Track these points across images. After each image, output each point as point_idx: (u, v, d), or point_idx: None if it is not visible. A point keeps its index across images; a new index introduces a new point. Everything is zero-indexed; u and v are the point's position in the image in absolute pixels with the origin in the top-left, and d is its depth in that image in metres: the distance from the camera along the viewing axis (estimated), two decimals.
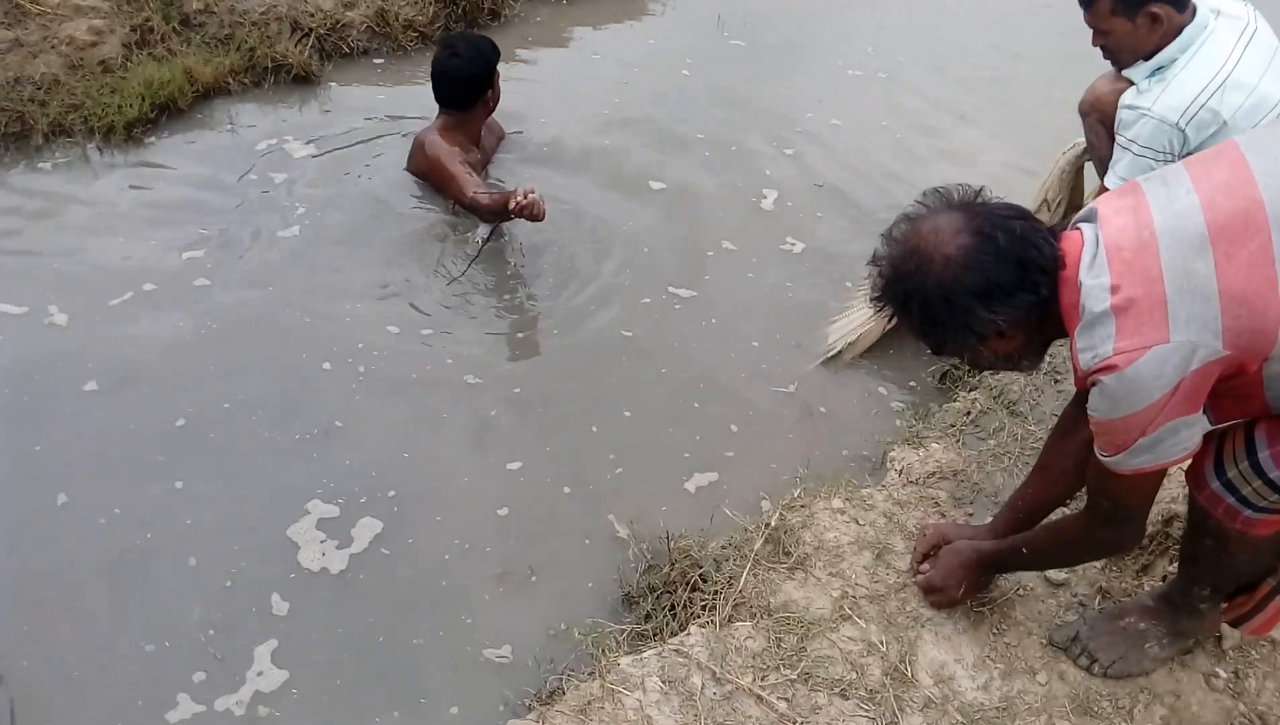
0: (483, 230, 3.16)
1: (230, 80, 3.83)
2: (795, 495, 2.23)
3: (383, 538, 2.22)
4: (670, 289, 3.09)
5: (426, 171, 3.34)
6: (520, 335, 2.87)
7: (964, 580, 1.84)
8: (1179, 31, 2.27)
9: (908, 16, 5.19)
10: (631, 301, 3.03)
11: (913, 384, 2.84)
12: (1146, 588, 1.94)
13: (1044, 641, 1.86)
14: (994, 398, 2.46)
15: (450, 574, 2.17)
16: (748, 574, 1.97)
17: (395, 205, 3.32)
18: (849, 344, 2.91)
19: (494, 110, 3.43)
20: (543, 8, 4.86)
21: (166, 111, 3.64)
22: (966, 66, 4.68)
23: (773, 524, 2.09)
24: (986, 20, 5.16)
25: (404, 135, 3.67)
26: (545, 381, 2.72)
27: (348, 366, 2.68)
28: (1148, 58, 2.31)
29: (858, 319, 2.98)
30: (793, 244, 3.37)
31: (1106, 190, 2.49)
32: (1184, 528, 1.73)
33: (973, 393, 2.52)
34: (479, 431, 2.54)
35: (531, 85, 4.11)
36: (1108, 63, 2.44)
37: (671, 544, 2.16)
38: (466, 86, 3.25)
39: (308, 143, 3.61)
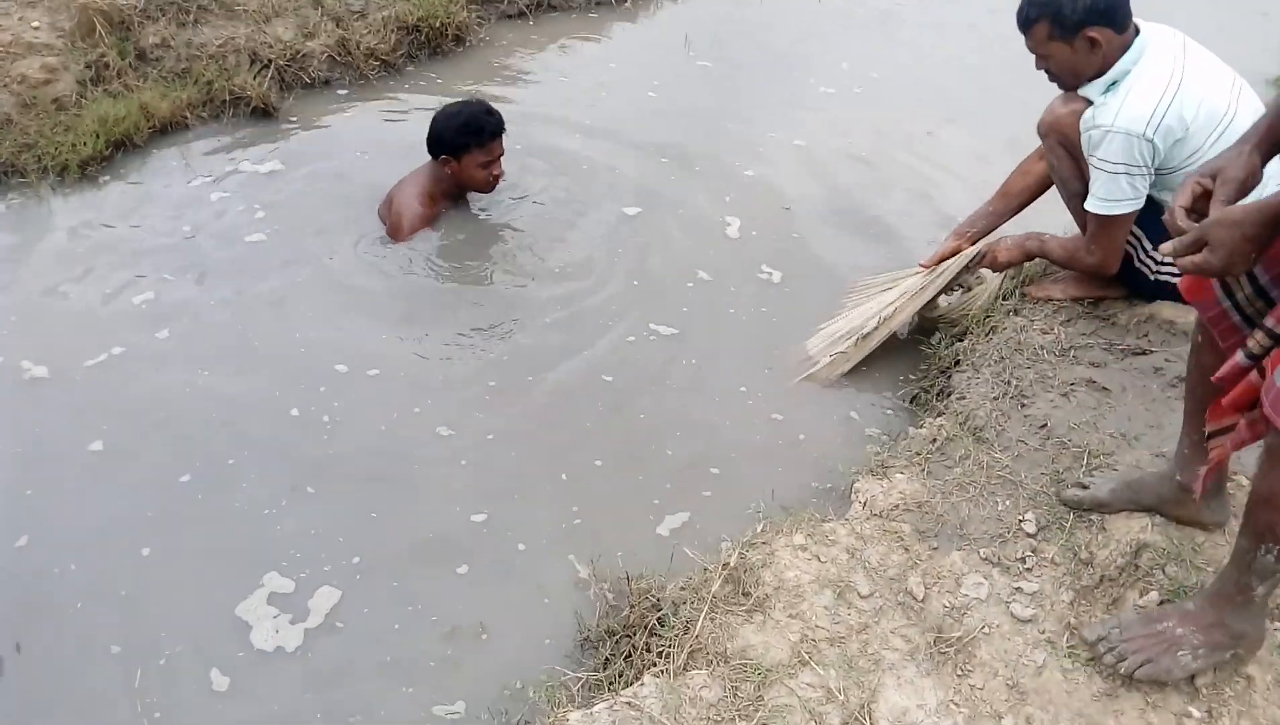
0: None
1: (188, 115, 3.79)
2: (758, 531, 2.17)
3: (339, 608, 2.11)
4: (651, 326, 3.00)
5: (390, 201, 3.30)
6: (492, 383, 2.75)
7: (1251, 253, 1.45)
8: (1124, 49, 2.25)
9: (884, 31, 5.16)
10: (612, 342, 2.93)
11: (888, 411, 2.78)
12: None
13: (1081, 646, 1.81)
14: (960, 424, 2.39)
15: (398, 643, 2.06)
16: (704, 618, 1.90)
17: (353, 241, 3.25)
18: (830, 362, 2.87)
19: (480, 187, 3.34)
20: (508, 32, 4.83)
21: (122, 148, 3.59)
22: (942, 81, 4.63)
23: (731, 564, 2.02)
24: (966, 33, 5.13)
25: (363, 165, 3.63)
26: (519, 430, 2.61)
27: (313, 415, 2.59)
28: (1095, 77, 2.28)
29: (842, 330, 2.94)
30: (769, 272, 3.30)
31: (1087, 214, 2.45)
32: (1257, 471, 1.58)
33: (939, 418, 2.46)
34: (447, 484, 2.44)
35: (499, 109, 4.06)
36: None
37: (632, 584, 2.10)
38: (434, 137, 3.24)
39: (264, 176, 3.56)
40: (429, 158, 3.32)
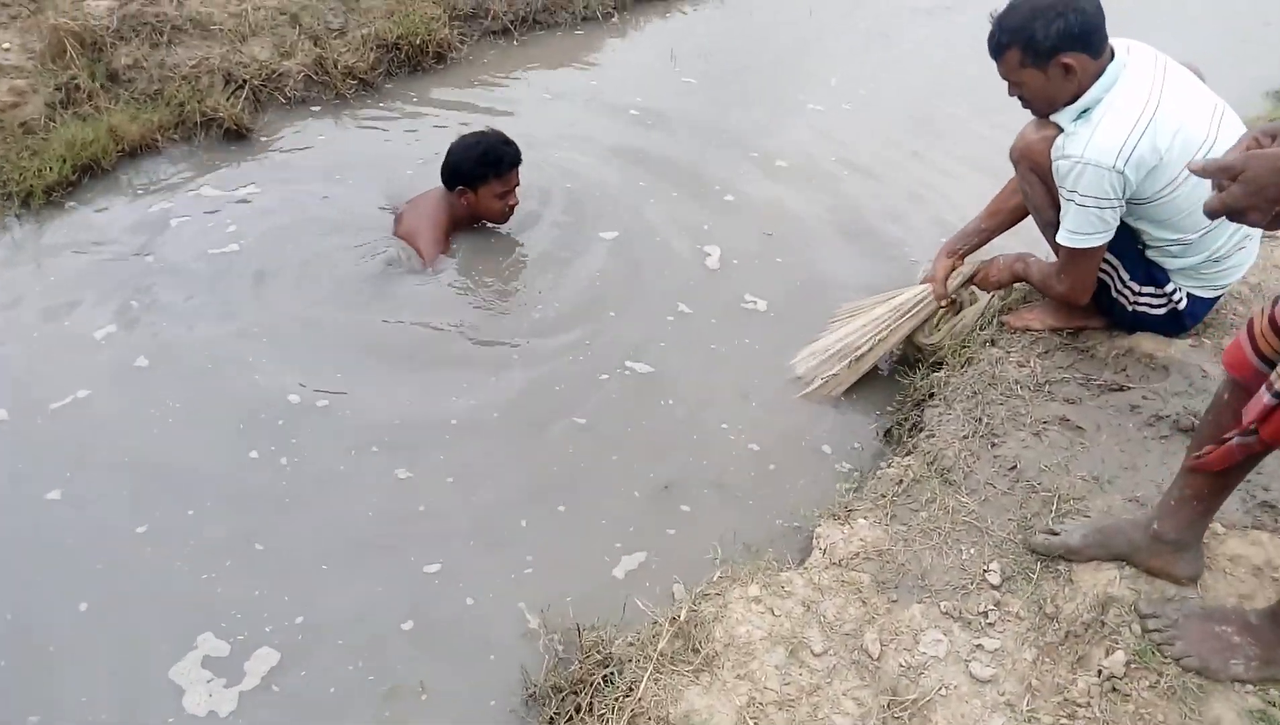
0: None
1: (159, 137, 3.74)
2: (713, 579, 2.08)
3: (277, 671, 2.01)
4: (628, 364, 2.89)
5: (405, 229, 3.27)
6: (454, 422, 2.65)
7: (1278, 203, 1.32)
8: (1098, 75, 2.16)
9: (875, 47, 5.07)
10: (587, 381, 2.82)
11: (856, 445, 2.69)
12: (1082, 684, 1.78)
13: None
14: (928, 464, 2.30)
15: (334, 708, 1.95)
16: (648, 680, 1.81)
17: (324, 267, 3.18)
18: (823, 383, 2.82)
19: (496, 217, 3.33)
20: (491, 49, 4.77)
21: (90, 173, 3.53)
22: (931, 99, 4.54)
23: (681, 618, 1.94)
24: (955, 50, 5.03)
25: (337, 187, 3.57)
26: (481, 474, 2.50)
27: (270, 457, 2.50)
28: (1070, 103, 2.20)
29: (833, 348, 2.87)
30: (754, 302, 3.21)
31: (1058, 246, 2.37)
32: None
33: (908, 458, 2.37)
34: (402, 531, 2.34)
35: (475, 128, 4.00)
36: None
37: (582, 636, 2.02)
38: (450, 169, 3.23)
39: (236, 200, 3.49)
40: (438, 185, 3.31)
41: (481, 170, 3.19)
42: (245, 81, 3.99)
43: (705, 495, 2.51)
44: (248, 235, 3.30)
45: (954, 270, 2.81)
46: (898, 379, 2.86)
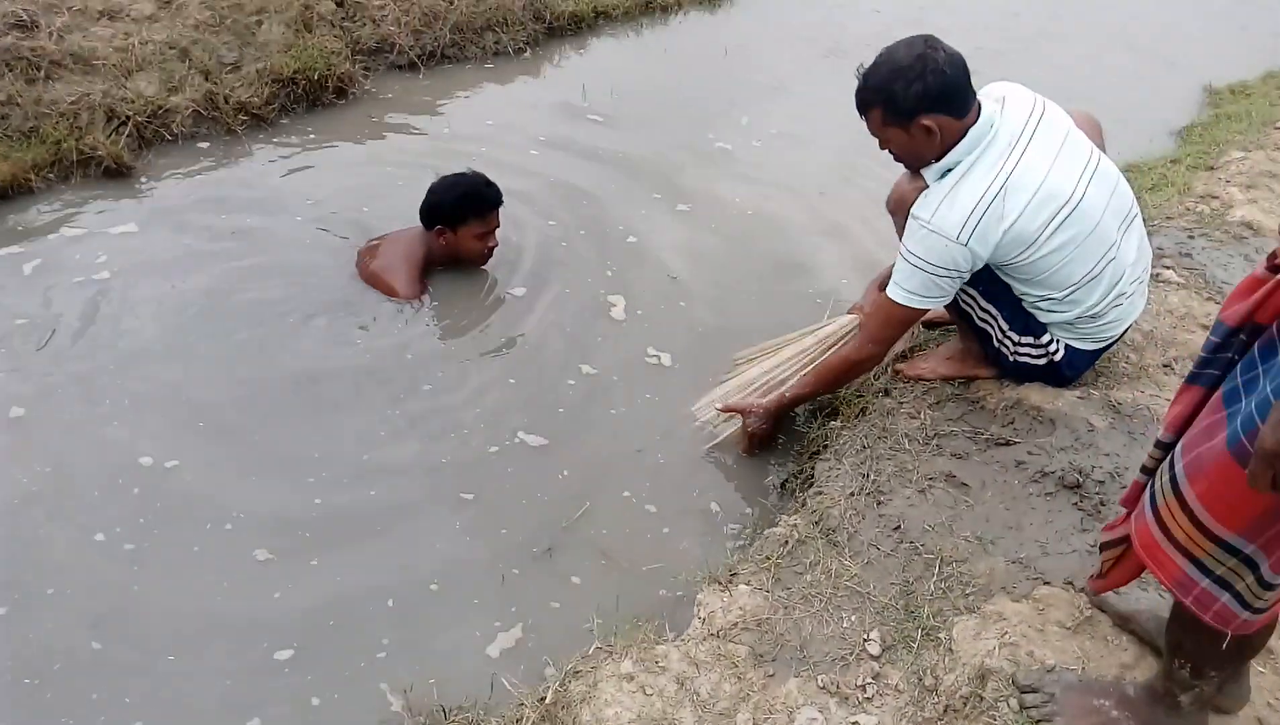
0: None
1: (32, 176, 3.54)
2: (587, 653, 1.97)
3: None
4: (521, 436, 2.73)
5: (378, 266, 3.19)
6: (317, 500, 2.47)
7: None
8: (963, 134, 2.13)
9: (787, 88, 5.04)
10: (475, 456, 2.65)
11: (749, 510, 2.59)
12: None
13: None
14: (814, 523, 2.23)
15: None
16: None
17: (195, 312, 3.03)
18: (735, 430, 2.74)
19: (475, 258, 3.28)
20: (396, 83, 4.65)
21: None
22: (839, 140, 4.50)
23: (548, 700, 1.83)
24: None
25: (216, 225, 3.42)
26: (350, 554, 2.34)
27: (117, 539, 2.32)
28: (938, 158, 2.17)
29: (757, 383, 2.79)
30: (657, 356, 3.10)
31: (883, 298, 2.33)
32: None
33: (794, 517, 2.29)
34: (256, 617, 2.17)
35: (369, 169, 3.88)
36: None
37: (449, 718, 1.90)
38: (430, 208, 3.18)
39: (108, 241, 3.31)
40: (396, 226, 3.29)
41: (461, 210, 3.16)
42: (129, 118, 3.81)
43: (599, 566, 2.39)
44: (119, 276, 3.14)
45: None
46: (796, 429, 2.80)
